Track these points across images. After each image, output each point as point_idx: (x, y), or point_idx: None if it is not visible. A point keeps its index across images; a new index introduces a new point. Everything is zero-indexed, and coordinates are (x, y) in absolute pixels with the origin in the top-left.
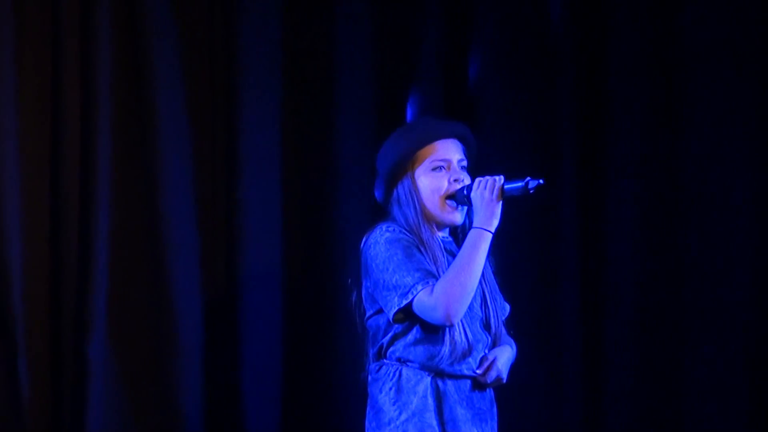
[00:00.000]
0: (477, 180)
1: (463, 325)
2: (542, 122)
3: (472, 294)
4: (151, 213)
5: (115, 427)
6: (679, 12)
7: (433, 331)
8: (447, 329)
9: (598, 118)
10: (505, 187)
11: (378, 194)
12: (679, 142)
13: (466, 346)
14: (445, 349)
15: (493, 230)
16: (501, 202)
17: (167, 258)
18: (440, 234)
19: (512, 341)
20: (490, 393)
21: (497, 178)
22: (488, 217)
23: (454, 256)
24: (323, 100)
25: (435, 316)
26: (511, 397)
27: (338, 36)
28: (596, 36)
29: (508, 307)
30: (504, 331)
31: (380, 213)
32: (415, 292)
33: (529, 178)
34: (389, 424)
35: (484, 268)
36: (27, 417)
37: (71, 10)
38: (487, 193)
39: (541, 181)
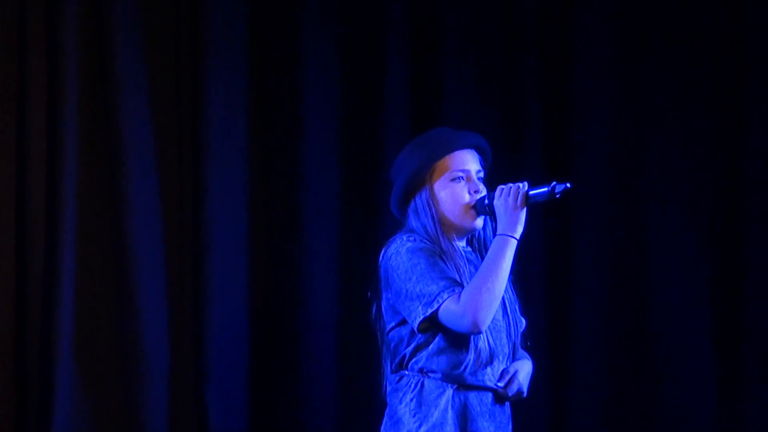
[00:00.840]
0: (499, 188)
1: (487, 332)
2: (508, 119)
3: (499, 300)
4: (117, 227)
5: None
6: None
7: (456, 340)
8: (471, 337)
9: (564, 112)
10: (530, 193)
11: (393, 205)
12: (642, 131)
13: (488, 354)
14: (470, 356)
15: (518, 237)
16: (525, 209)
17: (133, 272)
18: (460, 243)
19: (528, 355)
20: (508, 407)
21: (521, 185)
22: (513, 223)
23: (474, 264)
24: (289, 106)
25: (462, 323)
26: None
27: (304, 37)
28: (562, 28)
29: (524, 321)
30: (520, 344)
31: (345, 221)
32: (441, 301)
33: (555, 183)
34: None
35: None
36: None
37: (36, 22)
38: (511, 200)
39: (568, 185)
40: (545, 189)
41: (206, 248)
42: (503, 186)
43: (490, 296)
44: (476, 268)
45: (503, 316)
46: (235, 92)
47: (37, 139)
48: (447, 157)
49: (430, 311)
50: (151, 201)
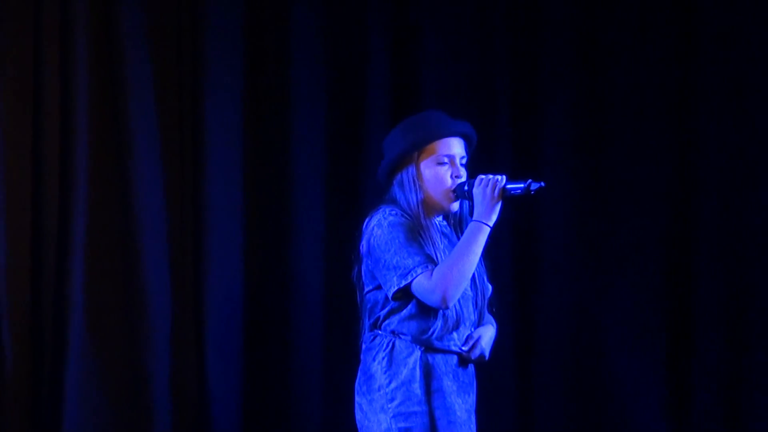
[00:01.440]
0: (479, 177)
1: (461, 305)
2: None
3: (468, 279)
4: (125, 215)
5: (90, 406)
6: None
7: (426, 308)
8: (437, 309)
9: (532, 109)
10: (507, 187)
11: (380, 174)
12: (603, 128)
13: (455, 321)
14: (438, 323)
15: (491, 224)
16: (500, 201)
17: (138, 249)
18: (437, 219)
19: (493, 320)
20: (471, 368)
21: (499, 177)
22: (488, 212)
23: (448, 238)
24: (280, 100)
25: (432, 299)
26: None
27: (292, 33)
28: (529, 32)
29: (490, 287)
30: (486, 309)
31: (331, 207)
32: (414, 275)
33: (530, 180)
34: (379, 390)
35: None
36: (9, 398)
37: (50, 26)
38: (489, 191)
39: (542, 183)
40: (521, 185)
41: (205, 229)
42: (483, 176)
43: (459, 277)
44: (450, 243)
45: (471, 286)
46: (232, 88)
47: (51, 132)
48: (436, 141)
49: (404, 283)
50: (155, 186)
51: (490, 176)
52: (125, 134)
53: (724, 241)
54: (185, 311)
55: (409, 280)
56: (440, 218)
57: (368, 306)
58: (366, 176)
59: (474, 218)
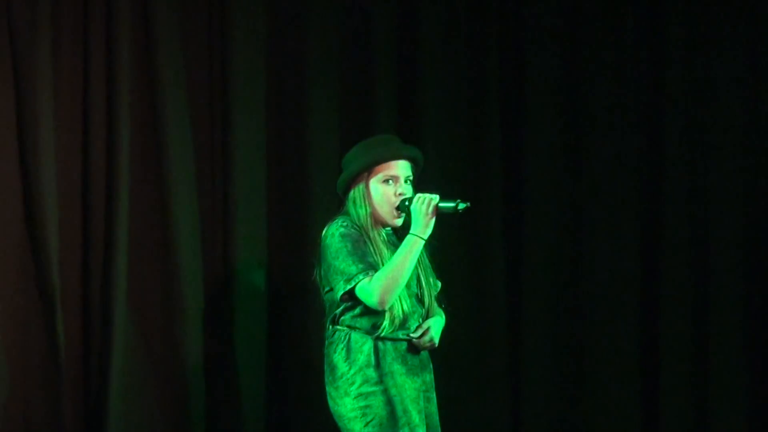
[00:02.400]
0: (417, 195)
1: (400, 300)
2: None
3: (403, 285)
4: (162, 205)
5: (133, 375)
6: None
7: (367, 308)
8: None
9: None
10: (439, 205)
11: (338, 189)
12: (586, 139)
13: (402, 318)
14: (386, 321)
15: (425, 237)
16: (433, 216)
17: (174, 241)
18: (384, 231)
19: (442, 312)
20: (422, 353)
21: (433, 197)
22: (423, 227)
23: (395, 248)
24: (299, 108)
25: (371, 301)
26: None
27: (310, 55)
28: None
29: (439, 284)
30: (436, 304)
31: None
32: (357, 280)
33: (459, 200)
34: (342, 377)
35: (420, 253)
36: (63, 367)
37: (97, 34)
38: (423, 208)
39: (468, 204)
40: (451, 204)
41: (233, 221)
42: (420, 194)
43: (394, 283)
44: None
45: (416, 285)
46: (255, 85)
47: (98, 131)
48: (384, 163)
49: (348, 287)
50: (189, 182)
51: (426, 195)
52: (162, 135)
53: (691, 256)
54: (216, 294)
55: (352, 285)
56: (388, 230)
57: (327, 305)
58: None
59: (410, 232)
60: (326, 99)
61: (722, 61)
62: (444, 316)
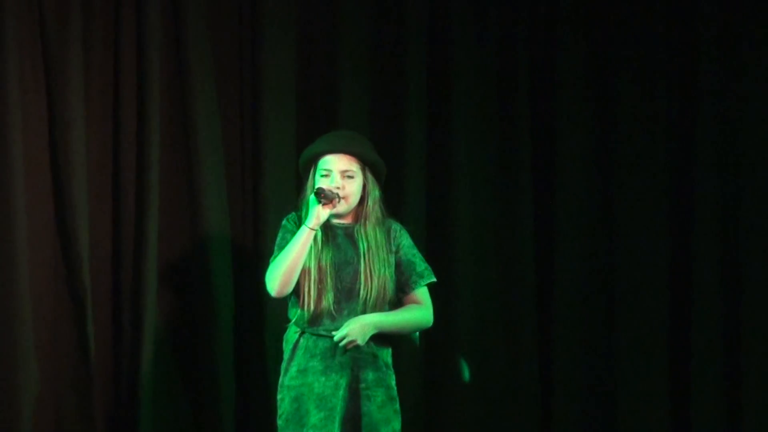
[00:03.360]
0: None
1: (319, 296)
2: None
3: (292, 274)
4: (193, 207)
5: (163, 376)
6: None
7: (294, 301)
8: (302, 298)
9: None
10: (312, 194)
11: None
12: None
13: (314, 311)
14: (301, 313)
15: (311, 227)
16: (319, 206)
17: (204, 242)
18: (338, 221)
19: (410, 310)
20: (362, 350)
21: (320, 187)
22: (311, 217)
23: (336, 243)
24: (330, 108)
25: (267, 288)
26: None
27: (341, 53)
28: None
29: (425, 279)
30: (418, 298)
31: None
32: (266, 270)
33: (317, 187)
34: (281, 367)
35: (367, 245)
36: (93, 367)
37: (128, 34)
38: (311, 197)
39: (319, 189)
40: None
41: (263, 214)
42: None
43: (283, 272)
44: (336, 247)
45: (352, 280)
46: (286, 83)
47: (128, 123)
48: (323, 158)
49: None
50: (218, 179)
51: (320, 187)
52: (193, 141)
53: (722, 268)
54: (247, 295)
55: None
56: (344, 222)
57: None
58: (405, 166)
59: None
60: (357, 102)
61: (756, 63)
62: (412, 313)
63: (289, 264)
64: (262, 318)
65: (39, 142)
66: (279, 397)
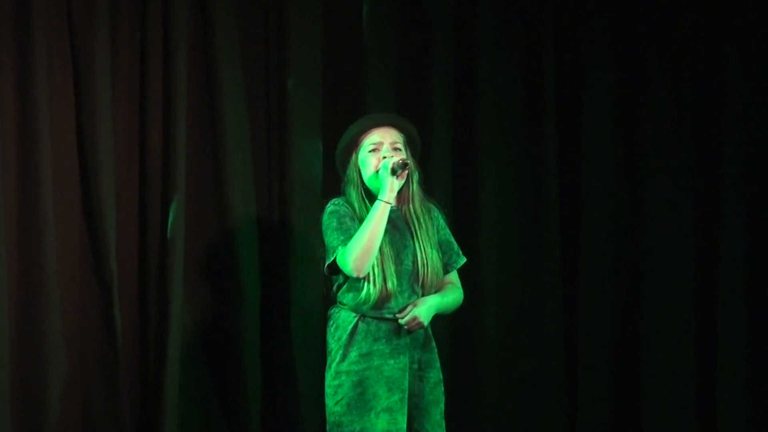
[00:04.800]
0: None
1: (384, 276)
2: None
3: (374, 251)
4: (219, 197)
5: (190, 364)
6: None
7: (356, 282)
8: (365, 282)
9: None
10: (389, 165)
11: (339, 171)
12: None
13: (381, 294)
14: (366, 296)
15: (386, 200)
16: (393, 178)
17: (231, 233)
18: (391, 204)
19: (454, 290)
20: (418, 332)
21: (394, 159)
22: (386, 191)
23: (394, 224)
24: (355, 103)
25: (347, 269)
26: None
27: (366, 58)
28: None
29: (461, 260)
30: (452, 280)
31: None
32: (335, 253)
33: (402, 161)
34: (330, 354)
35: (419, 226)
36: (120, 355)
37: (154, 30)
38: (383, 172)
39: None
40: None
41: (290, 206)
42: (387, 159)
43: (365, 249)
44: (395, 228)
45: (412, 263)
46: (311, 81)
47: (155, 112)
48: (367, 132)
49: (330, 260)
50: (245, 171)
51: (391, 159)
52: (220, 131)
53: (750, 252)
54: (274, 286)
55: (333, 257)
56: (393, 205)
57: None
58: (430, 160)
59: (378, 197)
60: (383, 93)
61: None
62: (450, 296)
63: (371, 240)
64: (288, 304)
65: (67, 132)
66: (335, 383)
